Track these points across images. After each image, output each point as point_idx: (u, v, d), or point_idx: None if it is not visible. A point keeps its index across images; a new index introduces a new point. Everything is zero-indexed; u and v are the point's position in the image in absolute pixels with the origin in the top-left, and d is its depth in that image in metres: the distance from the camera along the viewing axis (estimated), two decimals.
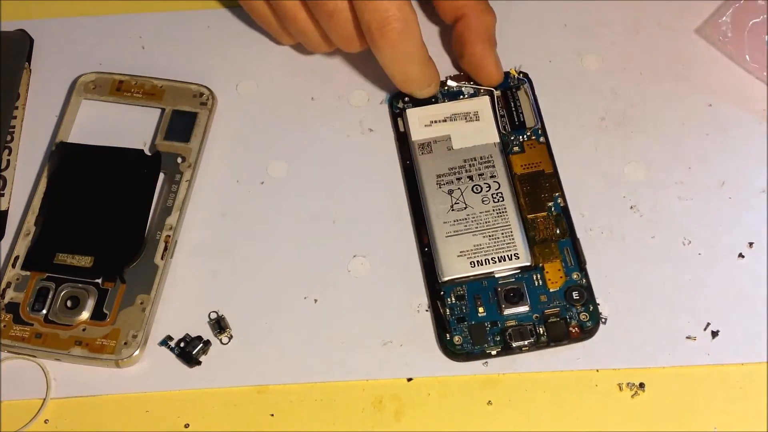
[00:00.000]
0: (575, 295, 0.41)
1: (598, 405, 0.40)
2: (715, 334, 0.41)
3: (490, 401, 0.41)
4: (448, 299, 0.42)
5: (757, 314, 0.42)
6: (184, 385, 0.41)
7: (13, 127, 0.47)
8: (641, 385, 0.40)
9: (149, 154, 0.46)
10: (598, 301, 0.42)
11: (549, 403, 0.40)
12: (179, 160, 0.45)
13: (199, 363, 0.41)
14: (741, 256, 0.43)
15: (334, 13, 0.43)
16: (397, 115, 0.47)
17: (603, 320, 0.42)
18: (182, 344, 0.42)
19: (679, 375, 0.41)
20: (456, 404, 0.41)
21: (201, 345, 0.41)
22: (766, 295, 0.42)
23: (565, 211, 0.44)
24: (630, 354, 0.41)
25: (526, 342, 0.41)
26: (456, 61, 0.48)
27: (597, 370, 0.41)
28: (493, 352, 0.41)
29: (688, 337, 0.41)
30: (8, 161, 0.46)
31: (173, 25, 0.51)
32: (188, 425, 0.40)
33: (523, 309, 0.41)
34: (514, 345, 0.40)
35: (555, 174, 0.44)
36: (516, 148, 0.45)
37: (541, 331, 0.41)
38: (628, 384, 0.41)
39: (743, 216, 0.44)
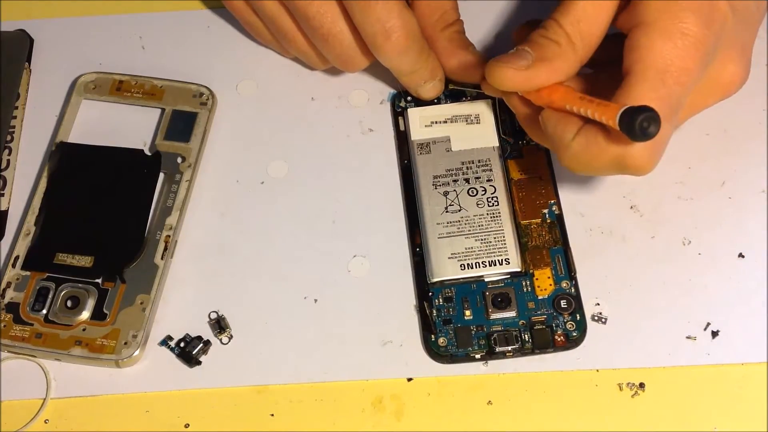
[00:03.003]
0: (563, 303, 0.41)
1: (598, 405, 0.40)
2: (715, 334, 0.41)
3: (490, 401, 0.41)
4: (436, 300, 0.42)
5: (757, 314, 0.42)
6: (184, 385, 0.41)
7: (13, 127, 0.47)
8: (641, 385, 0.40)
9: (149, 154, 0.46)
10: (598, 301, 0.42)
11: (549, 403, 0.40)
12: (179, 160, 0.46)
13: (199, 363, 0.41)
14: (741, 256, 0.43)
15: (329, 37, 0.43)
16: (398, 114, 0.47)
17: (603, 320, 0.42)
18: (182, 344, 0.42)
19: (679, 375, 0.41)
20: (456, 404, 0.41)
21: (201, 345, 0.42)
22: (766, 295, 0.42)
23: (559, 219, 0.43)
24: (630, 354, 0.41)
25: (510, 348, 0.41)
26: None
27: (597, 370, 0.41)
28: (478, 356, 0.41)
29: (688, 337, 0.41)
30: (8, 161, 0.46)
31: (173, 25, 0.51)
32: (188, 425, 0.40)
33: (510, 314, 0.41)
34: (498, 350, 0.40)
35: (552, 181, 0.44)
36: (515, 153, 0.45)
37: (527, 338, 0.41)
38: (628, 384, 0.41)
39: (743, 216, 0.44)
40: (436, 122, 0.46)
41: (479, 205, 0.43)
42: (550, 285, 0.42)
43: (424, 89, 0.46)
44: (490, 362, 0.41)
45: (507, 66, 0.39)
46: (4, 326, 0.42)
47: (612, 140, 0.37)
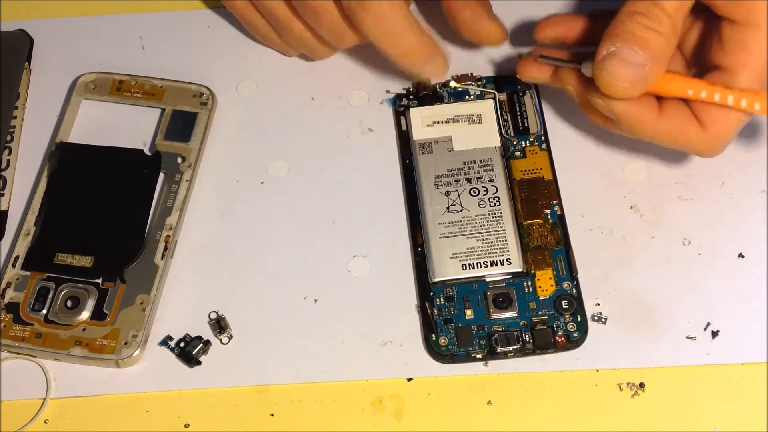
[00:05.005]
0: (564, 304, 0.41)
1: (598, 405, 0.40)
2: (715, 334, 0.41)
3: (490, 401, 0.41)
4: (437, 300, 0.42)
5: (757, 314, 0.42)
6: (184, 385, 0.41)
7: (13, 127, 0.47)
8: (641, 385, 0.40)
9: (149, 154, 0.46)
10: (598, 301, 0.42)
11: (549, 403, 0.40)
12: (179, 160, 0.46)
13: (199, 363, 0.41)
14: (741, 256, 0.43)
15: (319, 10, 0.43)
16: (400, 114, 0.47)
17: (603, 320, 0.42)
18: (182, 344, 0.42)
19: (679, 375, 0.41)
20: (456, 404, 0.41)
21: (201, 345, 0.41)
22: (766, 295, 0.42)
23: (561, 219, 0.43)
24: (630, 354, 0.41)
25: (511, 348, 0.41)
26: (461, 58, 0.48)
27: (597, 370, 0.41)
28: (478, 356, 0.41)
29: (688, 337, 0.41)
30: (8, 161, 0.46)
31: (173, 25, 0.51)
32: (188, 425, 0.40)
33: (511, 315, 0.41)
34: (499, 350, 0.40)
35: (554, 181, 0.44)
36: (517, 153, 0.45)
37: (528, 338, 0.41)
38: (628, 384, 0.41)
39: (743, 216, 0.44)
40: (438, 122, 0.46)
41: (481, 205, 0.43)
42: (552, 285, 0.42)
43: (424, 71, 0.44)
44: (490, 362, 0.41)
45: (621, 69, 0.37)
46: (4, 326, 0.42)
47: (696, 123, 0.39)
